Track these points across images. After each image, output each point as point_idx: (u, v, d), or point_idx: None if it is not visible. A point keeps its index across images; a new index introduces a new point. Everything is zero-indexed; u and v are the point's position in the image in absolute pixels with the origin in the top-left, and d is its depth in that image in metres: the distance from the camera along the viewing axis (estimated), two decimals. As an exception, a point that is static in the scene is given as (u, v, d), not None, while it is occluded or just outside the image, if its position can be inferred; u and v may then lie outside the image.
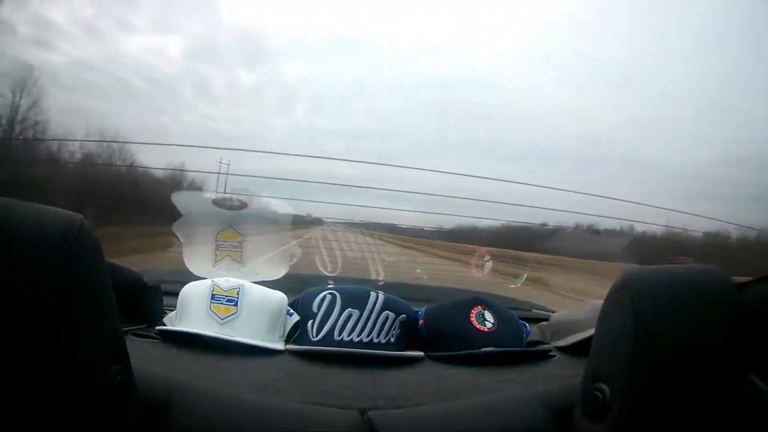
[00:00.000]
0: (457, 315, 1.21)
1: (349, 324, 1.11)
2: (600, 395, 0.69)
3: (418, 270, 1.47)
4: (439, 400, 0.90)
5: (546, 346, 1.24)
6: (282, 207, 1.31)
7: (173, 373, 0.85)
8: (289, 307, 1.20)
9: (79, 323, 0.58)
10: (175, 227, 1.29)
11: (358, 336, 1.10)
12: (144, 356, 0.94)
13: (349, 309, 1.12)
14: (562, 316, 1.32)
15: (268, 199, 1.32)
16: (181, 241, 1.29)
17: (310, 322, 1.13)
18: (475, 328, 1.18)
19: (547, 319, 1.39)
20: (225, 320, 1.10)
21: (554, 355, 1.18)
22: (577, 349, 1.17)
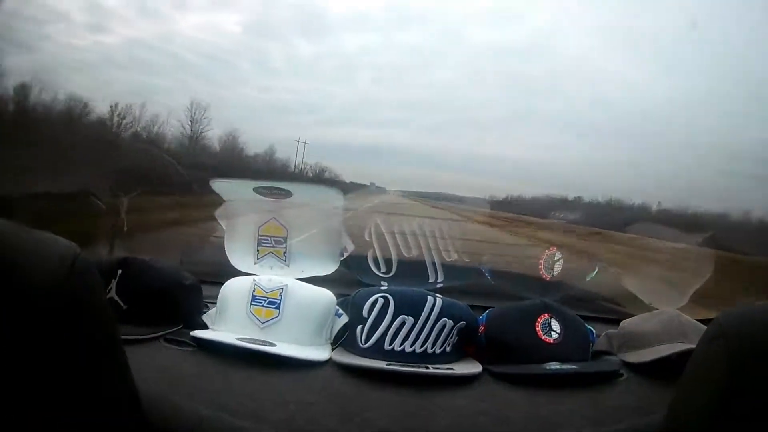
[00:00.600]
0: (521, 324, 1.10)
1: (402, 332, 1.01)
2: None
3: (485, 256, 1.34)
4: None
5: (613, 362, 1.12)
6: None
7: (200, 394, 0.81)
8: (338, 307, 1.11)
9: (77, 366, 0.53)
10: (217, 214, 1.22)
11: (411, 346, 1.01)
12: (173, 370, 0.90)
13: (403, 316, 1.02)
14: (632, 326, 1.20)
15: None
16: (223, 230, 1.22)
17: (360, 327, 1.04)
18: (540, 339, 1.08)
19: (612, 321, 1.29)
20: (266, 324, 1.03)
21: (622, 374, 1.06)
22: (647, 368, 1.06)
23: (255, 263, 1.17)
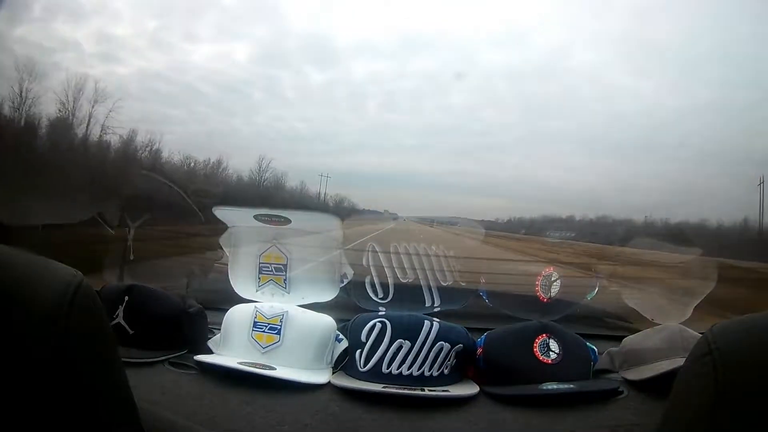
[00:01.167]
0: (519, 345, 1.11)
1: (399, 356, 1.03)
2: None
3: (482, 279, 1.34)
4: None
5: (613, 381, 1.12)
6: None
7: (200, 415, 0.84)
8: (338, 333, 1.13)
9: (79, 390, 0.54)
10: (221, 241, 1.25)
11: (408, 369, 1.02)
12: (176, 392, 0.93)
13: (400, 340, 1.04)
14: (633, 343, 1.20)
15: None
16: (227, 257, 1.25)
17: (359, 351, 1.06)
18: (538, 360, 1.09)
19: (618, 338, 1.27)
20: (267, 349, 1.06)
21: (622, 392, 1.06)
22: (648, 385, 1.06)
23: (257, 290, 1.20)
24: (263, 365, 1.01)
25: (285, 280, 1.19)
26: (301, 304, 1.16)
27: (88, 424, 0.55)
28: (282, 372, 1.00)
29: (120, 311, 1.09)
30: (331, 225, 1.25)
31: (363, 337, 1.06)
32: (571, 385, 1.02)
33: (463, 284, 1.24)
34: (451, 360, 1.06)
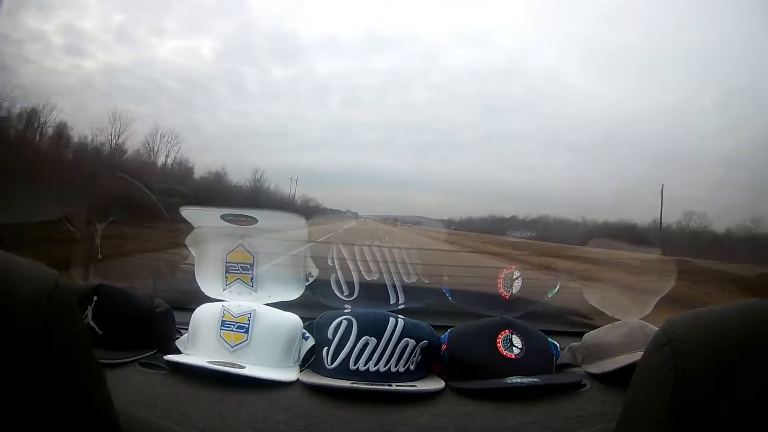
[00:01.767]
0: (482, 341, 1.14)
1: (365, 352, 1.05)
2: None
3: (445, 277, 1.37)
4: None
5: (576, 374, 1.16)
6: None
7: (172, 414, 0.85)
8: (305, 331, 1.15)
9: (56, 389, 0.55)
10: (187, 241, 1.25)
11: (375, 365, 1.05)
12: (148, 392, 0.93)
13: (366, 337, 1.06)
14: (595, 338, 1.23)
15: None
16: (193, 257, 1.25)
17: (326, 348, 1.08)
18: (501, 354, 1.12)
19: (579, 334, 1.30)
20: (235, 348, 1.07)
21: (585, 384, 1.09)
22: (610, 378, 1.09)
23: (224, 289, 1.20)
24: (232, 364, 1.02)
25: (252, 278, 1.19)
26: (268, 302, 1.17)
27: (67, 423, 0.56)
28: (251, 370, 1.00)
29: (89, 311, 1.08)
30: (298, 224, 1.26)
31: (329, 335, 1.08)
32: (535, 379, 1.06)
33: (426, 282, 1.26)
34: (416, 356, 1.08)
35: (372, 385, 1.00)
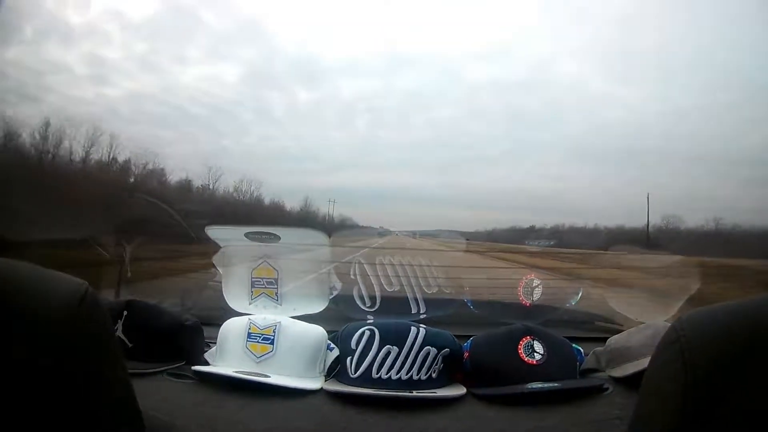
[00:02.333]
0: (504, 347, 1.15)
1: (387, 361, 1.07)
2: None
3: (466, 288, 1.39)
4: None
5: (598, 378, 1.16)
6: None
7: (197, 419, 0.88)
8: (330, 342, 1.17)
9: (88, 389, 0.58)
10: (215, 260, 1.29)
11: (397, 373, 1.07)
12: (174, 399, 0.97)
13: (388, 346, 1.08)
14: (619, 342, 1.22)
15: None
16: (220, 274, 1.29)
17: (349, 358, 1.10)
18: (523, 361, 1.13)
19: (606, 339, 1.29)
20: (261, 359, 1.10)
21: (607, 389, 1.09)
22: (634, 381, 1.06)
23: (250, 303, 1.24)
24: (258, 374, 1.05)
25: (277, 292, 1.23)
26: (293, 315, 1.21)
27: (94, 424, 0.59)
28: (276, 379, 1.04)
29: (119, 325, 1.13)
30: (319, 240, 1.30)
31: (353, 345, 1.10)
32: (556, 384, 1.06)
33: (446, 292, 1.28)
34: (438, 364, 1.10)
35: (393, 392, 1.02)
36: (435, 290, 1.26)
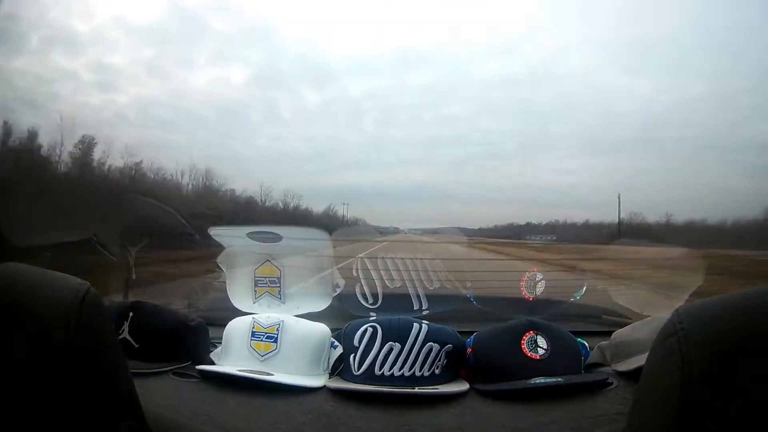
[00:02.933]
0: (506, 343, 1.15)
1: (390, 358, 1.08)
2: None
3: (468, 282, 1.39)
4: None
5: (603, 373, 1.15)
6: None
7: (201, 416, 0.90)
8: (334, 340, 1.18)
9: (89, 387, 0.60)
10: (218, 261, 1.31)
11: (400, 370, 1.07)
12: (178, 398, 0.98)
13: (390, 342, 1.08)
14: (623, 335, 1.21)
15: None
16: (224, 275, 1.31)
17: (352, 355, 1.11)
18: (526, 356, 1.12)
19: (611, 333, 1.28)
20: (265, 357, 1.11)
21: (611, 383, 1.08)
22: (638, 375, 1.06)
23: (254, 302, 1.26)
24: (262, 372, 1.06)
25: (280, 291, 1.25)
26: (297, 314, 1.22)
27: (96, 421, 0.60)
28: (279, 377, 1.05)
29: (125, 326, 1.14)
30: (320, 238, 1.31)
31: (356, 342, 1.11)
32: (559, 379, 1.06)
33: (448, 287, 1.28)
34: (441, 360, 1.10)
35: (395, 388, 1.03)
36: (437, 286, 1.26)
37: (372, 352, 1.09)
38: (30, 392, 0.55)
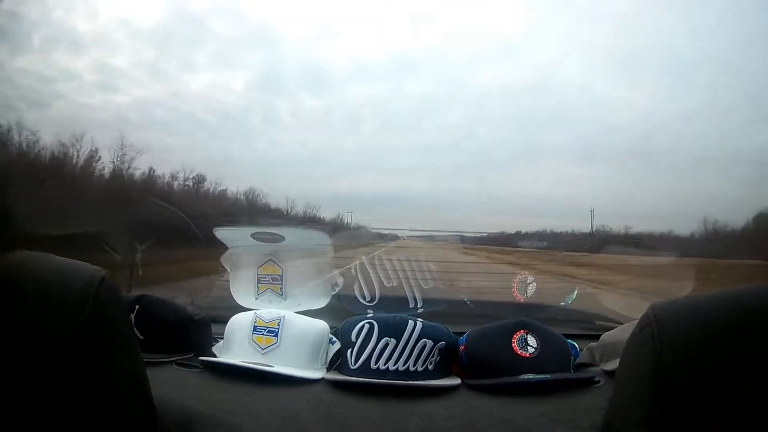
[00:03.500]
0: (497, 341, 1.19)
1: (385, 353, 1.12)
2: None
3: (462, 283, 1.45)
4: None
5: (591, 371, 1.19)
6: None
7: (205, 402, 0.93)
8: (332, 336, 1.23)
9: (103, 370, 0.63)
10: (222, 260, 1.36)
11: (395, 364, 1.11)
12: (180, 387, 1.03)
13: (386, 338, 1.13)
14: (612, 337, 1.26)
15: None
16: (228, 270, 1.36)
17: (349, 350, 1.15)
18: (516, 354, 1.16)
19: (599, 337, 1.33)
20: (266, 350, 1.15)
21: (598, 381, 1.12)
22: None
23: (256, 298, 1.32)
24: (262, 364, 1.11)
25: (282, 288, 1.30)
26: (297, 310, 1.27)
27: (108, 399, 0.64)
28: (280, 369, 1.10)
29: (131, 318, 1.19)
30: (321, 240, 1.36)
31: (353, 338, 1.15)
32: (547, 376, 1.10)
33: (442, 287, 1.34)
34: (434, 356, 1.15)
35: (390, 381, 1.07)
36: (431, 286, 1.31)
37: (368, 347, 1.12)
38: (46, 375, 0.57)
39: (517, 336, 1.18)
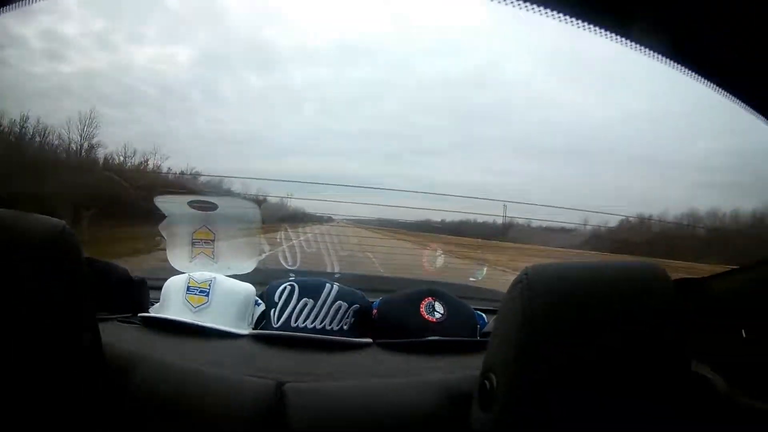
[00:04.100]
0: (407, 306, 1.31)
1: (304, 312, 1.23)
2: (488, 384, 0.70)
3: (370, 254, 1.61)
4: (361, 380, 1.01)
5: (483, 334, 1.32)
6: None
7: (142, 350, 1.01)
8: (257, 298, 1.35)
9: (58, 309, 0.72)
10: (160, 227, 1.46)
11: (312, 323, 1.22)
12: (122, 337, 1.12)
13: (305, 298, 1.24)
14: None
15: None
16: (165, 239, 1.47)
17: (272, 310, 1.26)
18: (424, 318, 1.27)
19: None
20: (197, 309, 1.25)
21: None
22: None
23: (190, 262, 1.43)
24: (194, 322, 1.22)
25: (213, 252, 1.42)
26: (227, 274, 1.37)
27: (62, 342, 0.73)
28: (210, 324, 1.21)
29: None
30: (252, 208, 1.49)
31: (276, 299, 1.26)
32: (443, 337, 1.22)
33: (359, 255, 1.48)
34: (349, 318, 1.26)
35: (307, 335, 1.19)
36: (347, 254, 1.45)
37: (289, 306, 1.23)
38: (15, 312, 0.65)
39: (425, 302, 1.30)
